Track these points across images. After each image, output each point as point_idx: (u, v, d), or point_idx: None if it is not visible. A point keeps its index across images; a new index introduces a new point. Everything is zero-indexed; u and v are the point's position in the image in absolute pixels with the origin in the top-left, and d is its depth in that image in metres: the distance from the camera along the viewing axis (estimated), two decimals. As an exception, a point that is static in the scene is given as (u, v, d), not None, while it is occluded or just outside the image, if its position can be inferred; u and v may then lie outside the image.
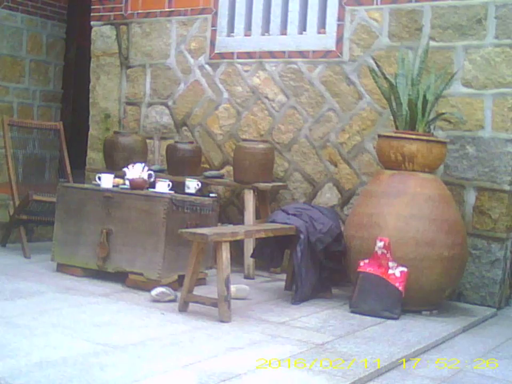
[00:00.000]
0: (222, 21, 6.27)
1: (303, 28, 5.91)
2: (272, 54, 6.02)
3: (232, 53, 6.22)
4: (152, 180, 5.20)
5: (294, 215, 4.85)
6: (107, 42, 6.92)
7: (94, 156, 6.91)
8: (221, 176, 5.91)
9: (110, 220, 4.92)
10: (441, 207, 4.64)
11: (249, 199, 5.53)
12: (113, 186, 5.15)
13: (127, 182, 5.12)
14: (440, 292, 4.68)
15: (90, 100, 7.03)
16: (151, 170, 5.30)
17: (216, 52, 6.29)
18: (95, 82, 7.00)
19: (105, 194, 4.98)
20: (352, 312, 4.49)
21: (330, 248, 4.82)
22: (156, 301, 4.40)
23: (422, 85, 4.83)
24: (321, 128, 5.79)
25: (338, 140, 5.71)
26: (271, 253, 4.92)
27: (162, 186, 5.09)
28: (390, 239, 4.49)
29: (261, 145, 5.63)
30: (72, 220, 5.09)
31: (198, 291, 4.35)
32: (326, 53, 5.74)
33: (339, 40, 5.67)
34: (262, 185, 5.53)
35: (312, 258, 4.74)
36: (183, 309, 4.22)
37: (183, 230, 4.27)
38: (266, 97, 6.05)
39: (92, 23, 7.03)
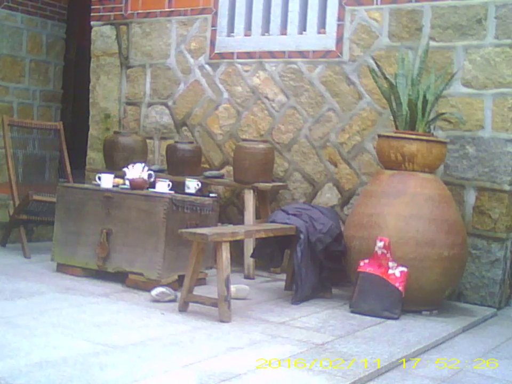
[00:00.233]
0: (222, 21, 6.27)
1: (303, 28, 5.91)
2: (272, 54, 6.02)
3: (232, 53, 6.22)
4: (152, 179, 5.20)
5: (294, 215, 4.85)
6: (107, 42, 6.92)
7: (94, 155, 6.91)
8: (221, 176, 5.90)
9: (110, 220, 4.92)
10: (441, 207, 4.64)
11: (249, 199, 5.53)
12: (113, 186, 5.16)
13: (127, 182, 5.12)
14: (440, 292, 4.68)
15: (90, 100, 7.03)
16: (151, 170, 5.30)
17: (216, 52, 6.29)
18: (95, 82, 7.00)
19: (105, 194, 4.98)
20: (352, 312, 4.49)
21: (330, 248, 4.82)
22: (155, 301, 4.40)
23: (422, 85, 4.83)
24: (321, 128, 5.79)
25: (338, 140, 5.71)
26: (271, 253, 4.92)
27: (162, 186, 5.09)
28: (390, 239, 4.49)
29: (261, 145, 5.63)
30: (72, 220, 5.09)
31: (198, 291, 4.35)
32: (326, 53, 5.74)
33: (339, 40, 5.67)
34: (262, 185, 5.53)
35: (312, 258, 4.74)
36: (183, 309, 4.22)
37: (183, 230, 4.27)
38: (266, 97, 6.05)
39: (92, 23, 7.03)
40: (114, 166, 5.90)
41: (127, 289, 4.73)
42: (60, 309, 4.06)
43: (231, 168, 5.87)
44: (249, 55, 6.13)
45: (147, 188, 5.14)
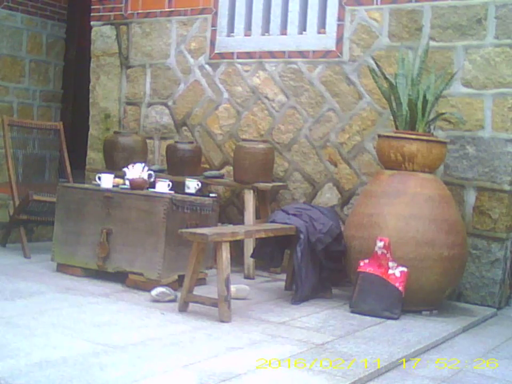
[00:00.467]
0: (222, 21, 6.27)
1: (303, 28, 5.91)
2: (272, 54, 6.02)
3: (232, 53, 6.22)
4: (152, 179, 5.20)
5: (294, 215, 4.85)
6: (107, 42, 6.92)
7: (94, 155, 6.91)
8: (221, 176, 5.90)
9: (110, 220, 4.92)
10: (441, 207, 4.64)
11: (249, 199, 5.53)
12: (113, 186, 5.15)
13: (127, 182, 5.12)
14: (440, 292, 4.68)
15: (90, 100, 7.04)
16: (151, 170, 5.30)
17: (216, 52, 6.30)
18: (95, 82, 7.00)
19: (105, 194, 4.98)
20: (352, 312, 4.49)
21: (330, 248, 4.82)
22: (155, 301, 4.40)
23: (422, 85, 4.83)
24: (321, 128, 5.79)
25: (338, 140, 5.71)
26: (271, 253, 4.92)
27: (162, 186, 5.09)
28: (390, 239, 4.49)
29: (261, 145, 5.63)
30: (72, 220, 5.09)
31: (198, 291, 4.35)
32: (326, 53, 5.74)
33: (339, 40, 5.67)
34: (262, 185, 5.53)
35: (312, 258, 4.74)
36: (183, 309, 4.22)
37: (183, 230, 4.27)
38: (266, 97, 6.05)
39: (92, 23, 7.03)
40: (114, 166, 5.90)
41: (127, 289, 4.73)
42: (59, 309, 4.06)
43: (231, 168, 5.87)
44: (249, 55, 6.13)
45: (147, 188, 5.14)
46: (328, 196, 5.74)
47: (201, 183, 5.54)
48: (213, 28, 6.30)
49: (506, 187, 5.01)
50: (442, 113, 5.00)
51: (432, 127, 4.92)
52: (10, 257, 5.59)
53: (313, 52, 5.81)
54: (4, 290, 4.40)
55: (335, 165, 5.73)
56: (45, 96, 7.98)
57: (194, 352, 3.40)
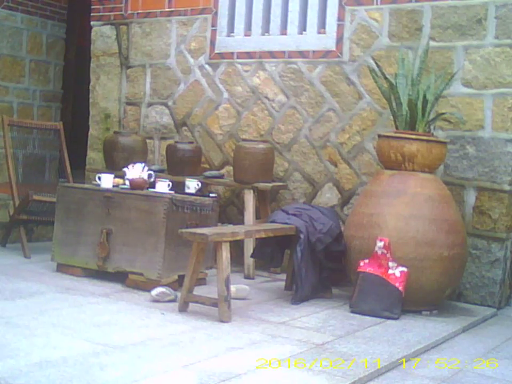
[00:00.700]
0: (222, 21, 6.27)
1: (303, 28, 5.91)
2: (272, 54, 6.02)
3: (232, 53, 6.22)
4: (152, 179, 5.20)
5: (294, 215, 4.85)
6: (107, 42, 6.92)
7: (94, 156, 6.91)
8: (221, 176, 5.90)
9: (110, 220, 4.92)
10: (441, 207, 4.64)
11: (249, 199, 5.53)
12: (113, 186, 5.16)
13: (127, 182, 5.12)
14: (440, 292, 4.68)
15: (90, 100, 7.03)
16: (151, 170, 5.30)
17: (216, 52, 6.30)
18: (95, 82, 7.00)
19: (105, 194, 4.98)
20: (352, 312, 4.49)
21: (330, 248, 4.82)
22: (155, 301, 4.40)
23: (422, 85, 4.83)
24: (321, 128, 5.79)
25: (338, 140, 5.71)
26: (271, 253, 4.92)
27: (162, 186, 5.09)
28: (390, 239, 4.49)
29: (261, 145, 5.63)
30: (72, 220, 5.09)
31: (198, 291, 4.35)
32: (326, 53, 5.74)
33: (339, 40, 5.67)
34: (262, 185, 5.53)
35: (312, 258, 4.74)
36: (183, 309, 4.22)
37: (183, 230, 4.27)
38: (266, 97, 6.05)
39: (92, 23, 7.03)
40: (114, 166, 5.90)
41: (127, 289, 4.73)
42: (59, 309, 4.06)
43: (231, 168, 5.87)
44: (249, 55, 6.13)
45: (147, 188, 5.14)
46: (328, 196, 5.74)
47: (201, 183, 5.54)
48: (213, 28, 6.30)
49: (506, 187, 5.01)
50: (442, 113, 5.00)
51: (432, 127, 4.92)
52: (10, 257, 5.59)
53: (313, 52, 5.81)
54: (3, 290, 4.40)
55: (335, 165, 5.73)
56: (45, 96, 7.98)
57: (194, 352, 3.40)
